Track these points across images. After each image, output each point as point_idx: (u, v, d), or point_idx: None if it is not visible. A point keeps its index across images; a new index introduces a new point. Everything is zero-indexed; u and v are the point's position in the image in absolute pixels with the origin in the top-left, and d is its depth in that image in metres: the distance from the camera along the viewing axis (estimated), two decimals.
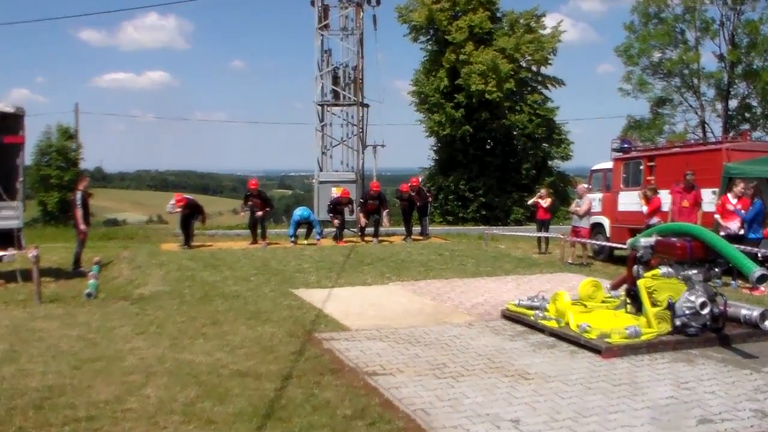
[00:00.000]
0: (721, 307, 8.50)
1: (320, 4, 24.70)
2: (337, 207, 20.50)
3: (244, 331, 8.74)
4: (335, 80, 25.14)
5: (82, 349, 7.79)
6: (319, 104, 24.94)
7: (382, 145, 28.89)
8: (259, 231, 19.82)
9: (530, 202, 21.52)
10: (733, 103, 38.99)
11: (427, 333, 8.82)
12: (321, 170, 24.65)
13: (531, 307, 9.62)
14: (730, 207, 13.48)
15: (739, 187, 13.49)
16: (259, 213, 19.63)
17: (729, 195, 13.61)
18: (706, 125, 39.36)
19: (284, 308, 10.34)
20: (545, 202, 19.80)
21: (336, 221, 20.40)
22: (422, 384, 6.61)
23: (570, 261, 16.97)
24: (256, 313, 9.91)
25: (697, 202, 14.35)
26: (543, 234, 19.76)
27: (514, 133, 40.25)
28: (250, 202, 19.93)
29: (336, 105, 25.36)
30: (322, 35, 24.86)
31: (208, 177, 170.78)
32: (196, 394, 6.16)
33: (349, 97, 25.00)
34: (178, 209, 18.66)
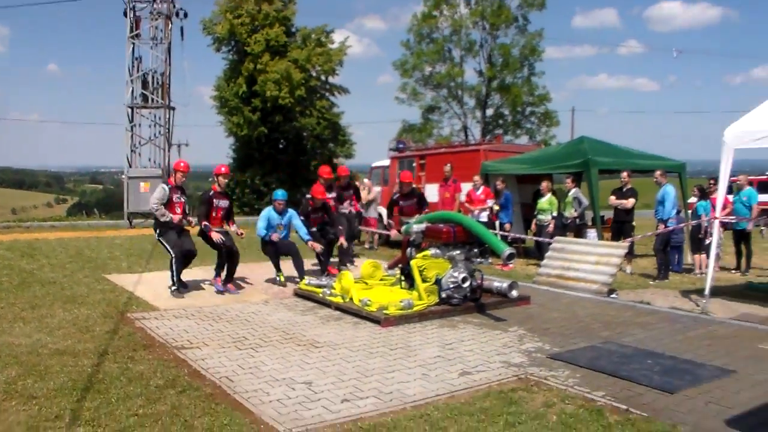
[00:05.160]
0: (479, 281, 9.11)
1: (132, 15, 24.88)
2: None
3: (62, 314, 8.32)
4: (144, 85, 25.15)
5: None
6: (129, 107, 24.98)
7: (186, 144, 29.16)
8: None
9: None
10: (489, 112, 41.55)
11: (228, 311, 8.87)
12: (130, 167, 24.89)
13: (319, 286, 9.84)
14: (481, 196, 14.80)
15: (477, 183, 15.05)
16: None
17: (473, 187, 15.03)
18: (467, 130, 41.53)
19: (98, 292, 9.93)
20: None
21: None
22: (226, 355, 6.66)
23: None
24: (73, 298, 9.43)
25: (456, 194, 15.49)
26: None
27: (304, 134, 40.42)
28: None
29: (145, 107, 25.37)
30: (133, 43, 24.94)
31: (23, 173, 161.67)
32: (17, 373, 5.82)
33: (157, 101, 25.13)
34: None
